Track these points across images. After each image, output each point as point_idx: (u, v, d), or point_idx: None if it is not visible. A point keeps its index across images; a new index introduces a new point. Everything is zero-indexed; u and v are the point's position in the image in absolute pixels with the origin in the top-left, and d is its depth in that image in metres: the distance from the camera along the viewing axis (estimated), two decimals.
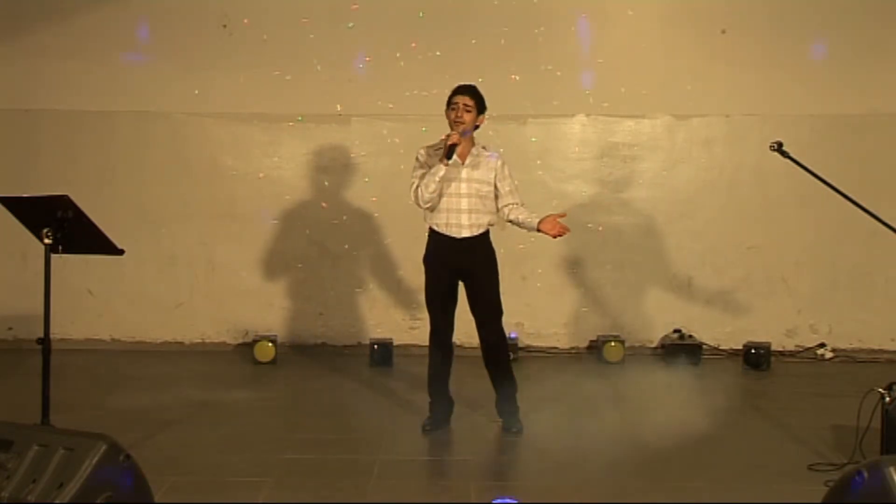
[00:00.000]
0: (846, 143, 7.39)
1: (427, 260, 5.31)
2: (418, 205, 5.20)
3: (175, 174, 7.46)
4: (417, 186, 5.16)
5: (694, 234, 7.48)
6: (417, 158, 5.25)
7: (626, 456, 4.94)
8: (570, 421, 5.47)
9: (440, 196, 5.16)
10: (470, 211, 5.19)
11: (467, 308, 5.32)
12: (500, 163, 5.26)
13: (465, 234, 5.20)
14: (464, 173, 5.19)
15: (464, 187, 5.18)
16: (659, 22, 7.46)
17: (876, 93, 7.41)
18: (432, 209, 5.22)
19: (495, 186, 5.23)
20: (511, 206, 5.25)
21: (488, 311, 5.28)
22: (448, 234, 5.21)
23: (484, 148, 5.31)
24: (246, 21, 7.34)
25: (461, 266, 5.23)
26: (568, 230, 5.14)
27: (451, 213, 5.19)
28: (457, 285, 5.30)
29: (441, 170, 5.07)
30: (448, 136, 5.07)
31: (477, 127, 5.24)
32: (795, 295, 7.50)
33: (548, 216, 5.16)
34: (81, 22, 7.38)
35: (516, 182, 5.31)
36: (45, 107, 7.39)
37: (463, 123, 5.11)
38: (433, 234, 5.27)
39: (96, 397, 5.88)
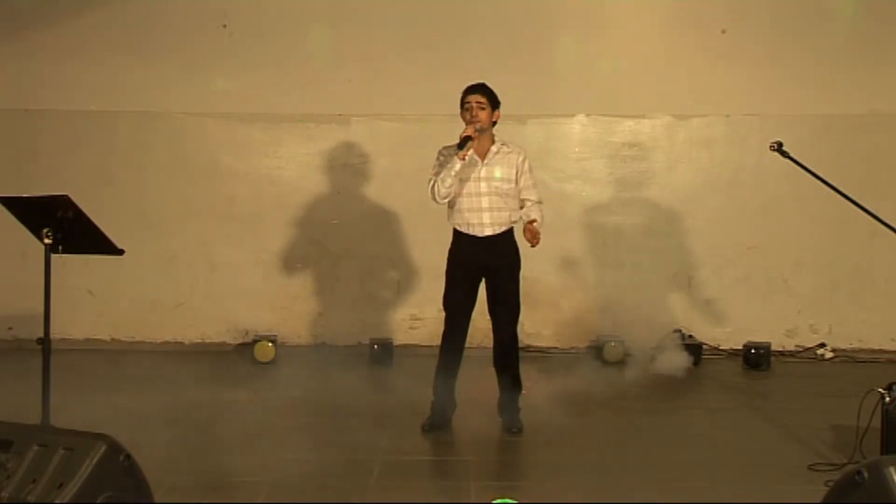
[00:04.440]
0: (846, 143, 7.38)
1: (450, 259, 5.28)
2: (435, 201, 5.16)
3: (175, 174, 7.46)
4: (434, 183, 5.13)
5: (694, 234, 7.47)
6: (438, 157, 5.23)
7: (626, 456, 4.95)
8: (569, 421, 5.47)
9: (459, 195, 5.14)
10: (491, 209, 5.15)
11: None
12: (521, 158, 5.21)
13: (488, 232, 5.16)
14: (483, 172, 5.16)
15: (483, 186, 5.15)
16: (659, 22, 7.47)
17: (876, 93, 7.40)
18: (452, 206, 5.21)
19: (517, 182, 5.20)
20: (524, 202, 5.22)
21: (507, 310, 5.26)
22: (470, 233, 5.18)
23: (504, 144, 5.25)
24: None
25: (485, 264, 5.21)
26: (537, 236, 5.03)
27: (472, 212, 5.16)
28: (478, 287, 5.27)
29: (456, 164, 5.04)
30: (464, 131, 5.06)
31: (494, 123, 5.21)
32: (795, 295, 7.50)
33: (526, 226, 5.08)
34: (81, 22, 7.38)
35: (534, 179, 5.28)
36: (45, 107, 7.39)
37: (479, 122, 5.09)
38: (456, 234, 5.26)
39: (96, 397, 5.86)
